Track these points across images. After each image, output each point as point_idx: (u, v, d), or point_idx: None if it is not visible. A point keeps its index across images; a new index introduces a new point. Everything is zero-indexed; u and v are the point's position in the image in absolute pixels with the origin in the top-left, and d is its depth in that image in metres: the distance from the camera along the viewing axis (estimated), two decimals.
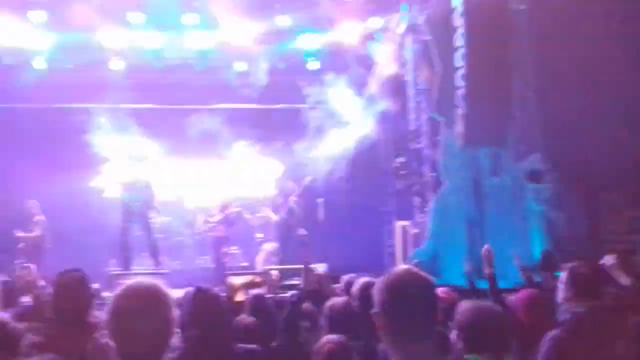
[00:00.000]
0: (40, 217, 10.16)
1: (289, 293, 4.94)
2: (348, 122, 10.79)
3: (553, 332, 2.54)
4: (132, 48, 10.91)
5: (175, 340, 2.43)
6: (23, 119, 11.68)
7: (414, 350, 1.80)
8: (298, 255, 9.16)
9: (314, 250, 10.16)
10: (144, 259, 10.33)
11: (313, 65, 11.60)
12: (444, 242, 9.02)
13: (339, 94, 10.84)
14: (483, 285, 4.43)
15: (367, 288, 4.09)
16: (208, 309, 2.90)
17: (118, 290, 2.10)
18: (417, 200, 10.76)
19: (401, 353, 1.81)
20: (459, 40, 8.73)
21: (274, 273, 8.62)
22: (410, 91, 11.13)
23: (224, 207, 10.78)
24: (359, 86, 11.01)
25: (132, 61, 11.46)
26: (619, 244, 8.17)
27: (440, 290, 4.14)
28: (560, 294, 3.65)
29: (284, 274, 8.23)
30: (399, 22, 11.00)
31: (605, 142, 8.37)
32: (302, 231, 10.42)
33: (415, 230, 10.53)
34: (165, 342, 2.07)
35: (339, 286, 5.49)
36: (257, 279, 7.43)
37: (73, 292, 3.18)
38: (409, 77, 11.13)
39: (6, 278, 7.72)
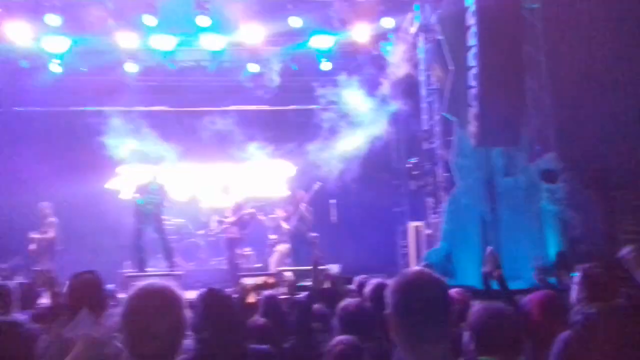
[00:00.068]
0: (53, 219, 10.27)
1: (302, 294, 4.95)
2: (361, 123, 10.78)
3: (564, 334, 2.52)
4: (145, 51, 11.00)
5: (188, 341, 2.45)
6: (39, 121, 11.83)
7: (427, 351, 1.79)
8: (309, 256, 9.19)
9: (327, 251, 10.17)
10: (158, 260, 10.41)
11: (326, 66, 11.60)
12: (458, 242, 8.96)
13: (351, 95, 10.83)
14: (496, 286, 4.41)
15: (379, 289, 4.09)
16: (220, 310, 2.92)
17: (131, 292, 2.13)
18: (430, 200, 10.72)
19: (414, 354, 1.81)
20: (471, 39, 8.68)
21: (288, 274, 8.65)
22: (423, 91, 11.09)
23: (237, 209, 10.82)
24: (372, 87, 10.99)
25: (146, 64, 11.55)
26: (636, 244, 8.06)
27: (453, 291, 4.13)
28: (574, 294, 3.63)
29: (298, 275, 8.26)
30: (411, 22, 10.97)
31: (620, 140, 8.29)
32: (312, 234, 10.44)
33: (429, 231, 10.49)
34: (178, 343, 2.09)
35: (351, 287, 5.49)
36: (271, 280, 7.45)
37: (88, 293, 3.21)
38: (421, 77, 11.09)
39: (24, 280, 7.82)
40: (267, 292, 4.87)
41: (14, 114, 12.00)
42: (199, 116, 11.63)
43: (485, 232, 8.82)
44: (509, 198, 8.89)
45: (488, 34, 8.49)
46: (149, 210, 9.78)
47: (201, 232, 11.84)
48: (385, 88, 11.02)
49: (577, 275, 3.69)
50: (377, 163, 11.67)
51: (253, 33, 10.58)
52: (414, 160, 11.52)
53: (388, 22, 10.94)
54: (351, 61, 11.64)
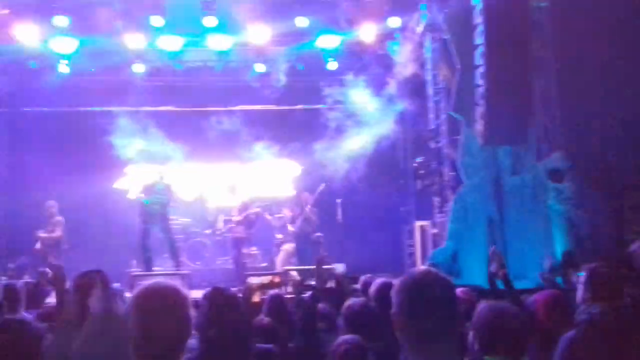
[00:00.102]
0: (59, 218, 10.33)
1: (307, 293, 4.96)
2: (367, 122, 10.78)
3: (569, 333, 2.51)
4: (153, 51, 11.05)
5: (193, 341, 2.46)
6: (47, 121, 11.91)
7: (433, 351, 1.79)
8: (314, 256, 9.21)
9: (333, 251, 10.19)
10: (165, 260, 10.46)
11: (332, 65, 11.61)
12: (464, 242, 8.93)
13: (358, 94, 10.83)
14: (502, 285, 4.40)
15: (384, 288, 4.10)
16: (225, 310, 2.92)
17: (136, 291, 2.14)
18: (436, 200, 10.70)
19: (420, 354, 1.81)
20: (478, 38, 8.65)
21: (294, 273, 8.66)
22: (430, 90, 11.08)
23: (244, 208, 10.85)
24: (378, 86, 10.99)
25: (153, 64, 11.61)
26: None
27: (458, 291, 4.12)
28: (580, 294, 3.62)
29: (304, 275, 8.26)
30: (418, 21, 10.95)
31: (628, 140, 8.24)
32: (317, 234, 10.46)
33: (435, 230, 10.47)
34: (183, 342, 2.09)
35: (356, 287, 5.50)
36: (277, 280, 7.47)
37: (93, 292, 3.21)
38: (428, 77, 11.08)
39: (31, 279, 7.87)
40: (272, 292, 4.88)
41: (22, 114, 12.10)
42: (205, 116, 11.68)
43: (492, 232, 8.79)
44: (515, 197, 8.85)
45: (495, 33, 8.46)
46: (155, 210, 9.82)
47: (208, 231, 11.88)
48: (392, 87, 11.01)
49: (582, 275, 3.68)
50: (383, 162, 11.67)
51: (259, 33, 10.60)
52: (420, 159, 11.51)
53: (394, 22, 10.93)
54: (358, 61, 11.63)
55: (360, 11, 10.84)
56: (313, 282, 4.58)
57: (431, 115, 11.06)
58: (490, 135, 8.52)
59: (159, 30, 10.40)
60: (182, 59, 11.42)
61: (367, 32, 10.84)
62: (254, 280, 7.04)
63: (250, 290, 4.57)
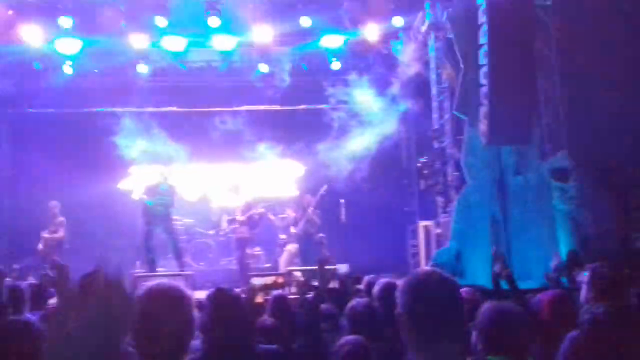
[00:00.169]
0: (62, 218, 10.37)
1: (311, 294, 4.96)
2: (371, 122, 10.77)
3: (572, 333, 2.51)
4: (157, 52, 11.08)
5: (196, 341, 2.47)
6: (52, 122, 11.95)
7: (438, 351, 1.79)
8: (316, 256, 9.22)
9: (337, 251, 10.19)
10: (169, 260, 10.47)
11: (336, 65, 11.61)
12: (468, 242, 8.91)
13: (361, 94, 10.83)
14: (506, 286, 4.40)
15: (387, 289, 4.09)
16: (228, 310, 2.92)
17: (139, 292, 2.14)
18: (440, 199, 10.68)
19: (425, 355, 1.80)
20: (482, 37, 8.63)
21: (298, 274, 8.66)
22: (433, 90, 11.05)
23: (247, 209, 10.86)
24: (382, 86, 10.98)
25: (157, 65, 11.64)
26: None
27: (462, 291, 4.12)
28: (583, 294, 3.61)
29: (307, 275, 8.26)
30: (422, 21, 10.93)
31: (632, 139, 8.21)
32: (320, 235, 10.46)
33: (439, 230, 10.45)
34: (186, 343, 2.09)
35: (360, 287, 5.49)
36: (280, 280, 7.46)
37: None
38: (432, 76, 11.05)
39: (34, 281, 7.89)
40: (275, 292, 4.89)
41: (27, 115, 12.15)
42: (209, 116, 11.70)
43: (496, 232, 8.77)
44: (519, 197, 8.82)
45: (499, 32, 8.43)
46: (158, 211, 9.83)
47: (211, 232, 11.89)
48: (396, 87, 11.00)
49: (585, 275, 3.67)
50: (386, 162, 11.66)
51: (263, 33, 10.61)
52: (424, 159, 11.49)
53: (398, 21, 10.92)
54: (361, 60, 11.63)
55: (363, 11, 10.84)
56: (316, 283, 4.58)
57: (435, 115, 11.03)
58: (494, 134, 8.49)
59: (163, 31, 10.43)
60: (186, 59, 11.46)
61: (371, 32, 10.83)
62: (257, 281, 7.04)
63: (253, 291, 4.58)
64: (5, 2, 9.91)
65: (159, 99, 12.16)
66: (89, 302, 1.35)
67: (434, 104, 11.05)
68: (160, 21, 10.16)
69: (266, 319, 4.25)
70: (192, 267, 10.86)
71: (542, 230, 8.40)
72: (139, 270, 9.96)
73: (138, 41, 10.53)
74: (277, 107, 12.45)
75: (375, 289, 4.18)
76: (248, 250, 10.79)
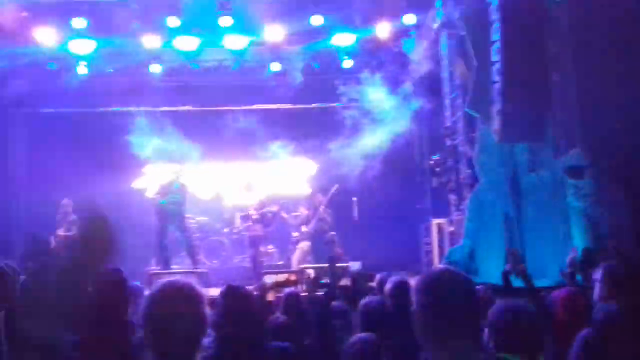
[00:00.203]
0: (75, 217, 10.48)
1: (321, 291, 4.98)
2: (383, 120, 10.75)
3: (584, 331, 2.49)
4: (169, 51, 11.15)
5: (208, 339, 2.48)
6: (67, 122, 12.08)
7: (453, 349, 1.79)
8: (328, 254, 9.23)
9: (349, 249, 10.19)
10: (183, 258, 10.54)
11: (347, 63, 11.60)
12: (481, 240, 8.87)
13: (373, 92, 10.81)
14: (519, 283, 4.37)
15: (399, 286, 4.10)
16: (240, 308, 2.94)
17: (152, 289, 2.16)
18: (453, 197, 10.64)
19: (440, 352, 1.81)
20: (495, 34, 8.58)
21: (310, 271, 8.68)
22: (446, 87, 11.01)
23: (261, 206, 10.90)
24: (394, 84, 10.96)
25: (170, 64, 11.72)
26: None
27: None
28: (597, 292, 3.59)
29: (320, 273, 8.28)
30: (433, 18, 10.90)
31: None
32: (331, 232, 10.46)
33: (452, 228, 10.42)
34: (198, 340, 2.10)
35: (372, 285, 5.49)
36: (293, 278, 7.47)
37: (111, 291, 3.26)
38: (444, 74, 11.01)
39: None
40: (288, 290, 4.90)
41: (42, 115, 12.28)
42: (222, 115, 11.76)
43: (509, 229, 8.72)
44: (533, 194, 8.76)
45: (511, 29, 8.38)
46: (171, 209, 9.89)
47: (225, 230, 11.95)
48: (408, 85, 10.98)
49: (599, 273, 3.65)
50: (399, 160, 11.63)
51: (275, 32, 10.63)
52: (436, 157, 11.45)
53: (410, 19, 10.89)
54: (373, 59, 11.61)
55: (375, 9, 10.83)
56: (326, 280, 4.59)
57: (447, 113, 10.99)
58: (507, 132, 8.45)
59: (175, 31, 10.49)
60: (198, 58, 11.51)
61: (383, 30, 10.81)
62: (269, 279, 7.07)
63: (265, 289, 4.60)
64: (19, 4, 10.01)
65: (172, 98, 12.24)
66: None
67: (446, 102, 11.01)
68: (173, 21, 10.23)
69: (278, 316, 4.27)
70: (206, 264, 10.92)
71: (556, 228, 8.33)
72: (154, 267, 10.04)
73: (151, 41, 10.60)
74: (289, 106, 12.47)
75: (387, 286, 4.18)
76: (261, 248, 10.83)
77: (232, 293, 3.08)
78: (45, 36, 10.29)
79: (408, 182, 12.47)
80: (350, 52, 11.43)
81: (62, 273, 1.33)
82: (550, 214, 8.52)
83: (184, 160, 10.76)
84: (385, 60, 11.46)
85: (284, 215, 11.17)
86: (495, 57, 8.56)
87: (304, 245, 10.58)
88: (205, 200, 12.33)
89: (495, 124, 8.62)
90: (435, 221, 11.19)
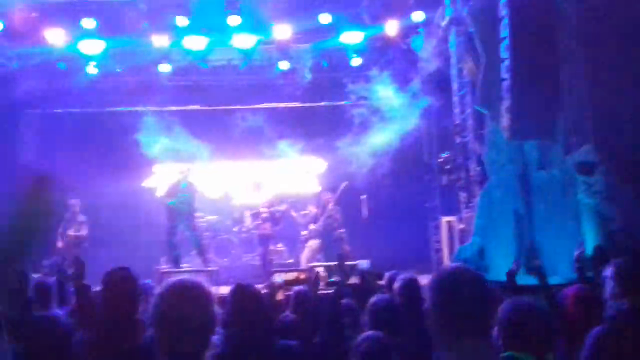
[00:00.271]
0: (83, 217, 10.55)
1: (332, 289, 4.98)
2: (392, 118, 10.73)
3: (596, 329, 2.48)
4: (178, 51, 11.18)
5: (217, 337, 2.49)
6: (77, 122, 12.17)
7: (467, 346, 1.79)
8: (337, 252, 9.23)
9: (359, 247, 10.19)
10: (193, 257, 10.59)
11: (356, 61, 11.59)
12: (491, 237, 8.83)
13: (382, 90, 10.79)
14: (524, 281, 4.35)
15: (408, 284, 4.09)
16: (248, 306, 2.95)
17: (161, 288, 2.16)
18: (462, 195, 10.60)
19: (454, 350, 1.81)
20: (503, 30, 8.53)
21: (320, 270, 8.69)
22: (455, 85, 10.97)
23: (270, 205, 10.93)
24: (403, 81, 10.93)
25: (179, 64, 11.75)
26: None
27: None
28: (608, 290, 3.55)
29: (329, 271, 8.29)
30: (442, 15, 10.85)
31: None
32: (340, 230, 10.46)
33: (462, 226, 10.38)
34: (207, 338, 2.10)
35: (381, 283, 5.48)
36: (302, 276, 7.50)
37: (121, 289, 3.28)
38: (453, 71, 10.97)
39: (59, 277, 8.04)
40: (297, 288, 4.90)
41: (52, 115, 12.37)
42: (230, 114, 11.80)
43: (519, 227, 8.67)
44: (543, 192, 8.70)
45: (520, 25, 8.32)
46: (180, 208, 9.94)
47: (235, 228, 11.99)
48: (416, 82, 10.94)
49: (611, 270, 3.62)
50: (408, 158, 11.61)
51: (283, 31, 10.63)
52: (445, 154, 11.41)
53: (418, 16, 10.84)
54: (381, 56, 11.58)
55: (383, 6, 10.80)
56: (335, 279, 4.59)
57: (456, 110, 10.95)
58: (516, 129, 8.39)
59: (184, 31, 10.52)
60: (207, 58, 11.53)
61: (391, 27, 10.77)
62: (278, 278, 7.08)
63: (274, 288, 4.60)
64: (29, 4, 10.08)
65: (181, 97, 12.29)
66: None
67: (455, 99, 10.96)
68: (181, 21, 10.26)
69: (287, 314, 4.27)
70: (216, 263, 10.96)
71: (567, 225, 8.28)
72: (164, 266, 10.09)
73: (160, 41, 10.64)
74: (298, 104, 12.48)
75: (396, 284, 4.17)
76: (271, 247, 10.86)
77: (241, 292, 3.09)
78: (55, 36, 10.35)
79: (417, 179, 12.44)
80: (358, 50, 11.40)
81: None
82: (561, 211, 8.46)
83: (192, 160, 10.80)
84: (393, 58, 11.43)
85: (293, 213, 11.19)
86: (504, 53, 8.51)
87: (313, 243, 10.59)
88: (214, 199, 12.37)
89: (505, 121, 8.58)
90: (445, 219, 11.15)
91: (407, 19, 10.81)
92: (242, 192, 12.45)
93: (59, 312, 3.37)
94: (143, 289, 3.67)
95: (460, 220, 10.53)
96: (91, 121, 12.12)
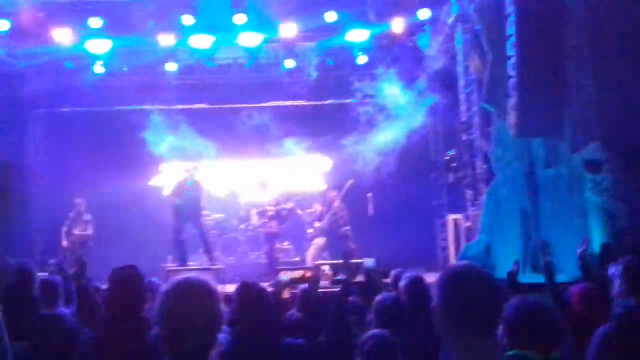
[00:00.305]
0: (89, 216, 10.60)
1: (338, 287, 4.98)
2: (398, 116, 10.71)
3: (604, 327, 2.47)
4: (184, 50, 11.21)
5: (222, 335, 2.50)
6: (84, 121, 12.23)
7: (475, 345, 1.78)
8: (342, 250, 9.23)
9: (365, 245, 10.18)
10: (200, 255, 10.62)
11: (362, 59, 11.57)
12: (497, 235, 8.81)
13: (388, 88, 10.77)
14: (529, 279, 4.35)
15: (414, 283, 4.08)
16: (254, 304, 2.96)
17: (166, 286, 2.17)
18: (469, 193, 10.58)
19: (462, 348, 1.80)
20: (510, 28, 8.49)
21: (326, 268, 8.70)
22: (461, 82, 10.94)
23: (276, 203, 10.94)
24: (409, 79, 10.91)
25: (185, 62, 11.79)
26: None
27: None
28: (616, 287, 3.55)
29: (335, 269, 8.29)
30: (448, 13, 10.82)
31: None
32: (345, 227, 10.46)
33: (468, 224, 10.36)
34: (213, 336, 2.11)
35: (387, 281, 5.48)
36: (308, 274, 7.50)
37: (127, 287, 3.29)
38: (459, 68, 10.94)
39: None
40: (302, 286, 4.91)
41: (59, 114, 12.43)
42: (237, 113, 11.81)
43: (526, 225, 8.65)
44: (550, 190, 8.67)
45: (527, 22, 8.28)
46: (187, 207, 9.97)
47: (241, 226, 12.02)
48: (422, 80, 10.92)
49: (618, 268, 3.61)
50: (414, 156, 11.60)
51: (289, 29, 10.63)
52: (452, 152, 11.39)
53: (424, 14, 10.81)
54: (387, 54, 11.57)
55: (389, 4, 10.77)
56: (340, 277, 4.60)
57: (463, 108, 10.93)
58: (523, 126, 8.36)
59: (190, 29, 10.54)
60: (213, 56, 11.55)
61: (397, 25, 10.75)
62: (284, 276, 7.09)
63: (280, 287, 4.61)
64: (36, 4, 10.13)
65: (187, 96, 12.33)
66: None
67: (462, 97, 10.94)
68: (188, 20, 10.28)
69: (293, 313, 4.27)
70: (222, 261, 10.99)
71: (573, 223, 8.24)
72: (171, 264, 10.13)
73: (166, 40, 10.66)
74: (304, 103, 12.49)
75: (402, 283, 4.17)
76: (277, 245, 10.87)
77: (247, 290, 3.09)
78: (62, 36, 10.39)
79: (423, 177, 12.42)
80: (364, 48, 11.38)
81: None
82: (567, 209, 8.43)
83: (199, 158, 10.83)
84: (399, 56, 11.42)
85: (299, 212, 11.20)
86: (510, 51, 8.48)
87: (319, 241, 10.60)
88: (221, 197, 12.40)
89: (511, 118, 8.54)
90: (451, 217, 11.13)
91: (413, 16, 10.78)
92: (248, 190, 12.47)
93: (65, 310, 3.39)
94: (149, 286, 3.68)
95: (467, 218, 10.51)
96: (98, 120, 12.17)
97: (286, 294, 4.98)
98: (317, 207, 11.04)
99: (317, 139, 11.70)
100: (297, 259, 11.30)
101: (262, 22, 10.63)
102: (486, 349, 1.78)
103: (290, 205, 11.03)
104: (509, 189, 8.98)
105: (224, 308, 2.18)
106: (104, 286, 3.43)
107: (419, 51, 11.23)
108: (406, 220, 11.46)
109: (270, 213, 10.82)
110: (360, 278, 5.36)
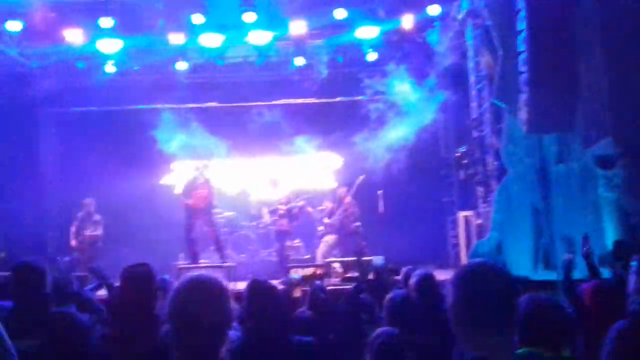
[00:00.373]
0: (98, 216, 10.67)
1: (350, 285, 4.98)
2: (408, 112, 10.68)
3: (619, 323, 2.45)
4: (195, 49, 11.25)
5: (233, 332, 2.51)
6: (96, 120, 12.30)
7: (490, 343, 1.78)
8: (353, 247, 9.22)
9: (375, 242, 10.17)
10: (212, 252, 10.67)
11: (372, 56, 11.55)
12: (509, 232, 8.76)
13: (398, 85, 10.74)
14: (541, 277, 4.33)
15: (424, 280, 4.08)
16: (264, 301, 2.96)
17: (177, 283, 2.18)
18: (480, 189, 10.53)
19: (477, 346, 1.80)
20: (521, 23, 8.43)
21: (337, 265, 8.70)
22: (472, 78, 10.88)
23: (287, 201, 10.96)
24: (419, 76, 10.87)
25: (195, 61, 11.83)
26: None
27: None
28: (631, 285, 3.51)
29: (345, 267, 8.29)
30: (458, 9, 10.76)
31: None
32: (356, 224, 10.45)
33: (479, 221, 10.31)
34: (224, 334, 2.11)
35: (398, 278, 5.47)
36: (319, 272, 7.51)
37: (139, 285, 3.31)
38: (470, 64, 10.88)
39: (82, 273, 8.16)
40: (314, 283, 4.91)
41: (71, 114, 12.52)
42: (247, 110, 11.84)
43: (537, 222, 8.59)
44: (562, 186, 8.61)
45: (538, 17, 8.22)
46: (198, 205, 10.01)
47: (252, 224, 12.05)
48: (433, 77, 10.88)
49: (634, 265, 3.58)
50: (425, 152, 11.56)
51: (298, 27, 10.62)
52: (463, 148, 11.34)
53: (434, 10, 10.75)
54: (397, 51, 11.52)
55: (398, 0, 10.73)
56: (352, 274, 4.60)
57: (473, 104, 10.86)
58: (534, 122, 8.30)
59: (200, 28, 10.57)
60: (223, 55, 11.58)
61: (407, 22, 10.70)
62: (295, 274, 7.10)
63: (291, 285, 4.62)
64: (48, 4, 10.21)
65: (198, 94, 12.37)
66: None
67: (473, 93, 10.88)
68: (197, 19, 10.31)
69: (304, 310, 4.28)
70: (233, 259, 11.03)
71: (586, 220, 8.18)
72: (182, 262, 10.18)
73: (176, 39, 10.70)
74: (314, 100, 12.49)
75: (412, 280, 4.16)
76: (288, 242, 10.89)
77: (257, 287, 3.10)
78: (73, 36, 10.46)
79: (434, 174, 12.38)
80: (374, 45, 11.35)
81: None
82: (580, 206, 8.37)
83: (210, 156, 10.87)
84: (409, 52, 11.38)
85: (310, 209, 11.21)
86: (521, 46, 8.42)
87: (329, 238, 10.60)
88: (232, 195, 12.44)
89: (523, 114, 8.48)
90: (462, 214, 11.09)
91: (422, 12, 10.71)
92: (259, 189, 12.50)
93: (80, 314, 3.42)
94: (161, 284, 3.70)
95: (478, 215, 10.46)
96: (109, 119, 12.25)
97: (297, 293, 4.98)
98: (328, 205, 11.04)
99: (328, 136, 11.70)
100: (307, 256, 11.31)
101: (272, 20, 10.63)
102: (503, 346, 1.77)
103: (301, 203, 11.05)
104: (520, 185, 8.92)
105: (234, 305, 2.19)
106: (116, 283, 3.45)
107: (429, 47, 11.18)
108: (417, 218, 11.44)
109: (281, 211, 10.84)
110: (370, 276, 5.35)
